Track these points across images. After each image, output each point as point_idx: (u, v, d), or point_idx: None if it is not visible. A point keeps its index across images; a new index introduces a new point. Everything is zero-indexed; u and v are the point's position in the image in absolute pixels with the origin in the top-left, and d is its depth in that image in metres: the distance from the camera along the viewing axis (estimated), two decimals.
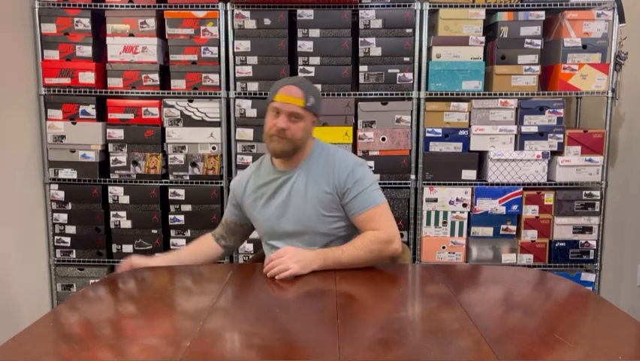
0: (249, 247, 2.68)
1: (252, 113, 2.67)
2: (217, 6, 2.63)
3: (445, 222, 2.71)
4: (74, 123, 2.71)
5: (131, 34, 2.67)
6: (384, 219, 1.69)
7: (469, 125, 2.67)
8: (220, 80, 2.68)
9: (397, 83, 2.65)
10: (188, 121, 2.70)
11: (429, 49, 2.66)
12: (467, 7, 2.60)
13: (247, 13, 2.61)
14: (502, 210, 2.67)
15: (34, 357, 1.07)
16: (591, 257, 2.71)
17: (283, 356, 1.09)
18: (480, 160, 2.70)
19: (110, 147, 2.73)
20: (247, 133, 2.68)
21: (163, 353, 1.09)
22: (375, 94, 2.65)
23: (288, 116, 1.65)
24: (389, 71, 2.64)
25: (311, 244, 1.71)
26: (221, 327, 1.24)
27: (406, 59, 2.64)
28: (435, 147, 2.67)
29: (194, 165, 2.73)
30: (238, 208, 1.86)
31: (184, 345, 1.11)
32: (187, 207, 2.74)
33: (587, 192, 2.67)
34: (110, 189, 2.73)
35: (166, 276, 1.63)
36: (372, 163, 2.64)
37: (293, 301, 1.41)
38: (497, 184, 2.67)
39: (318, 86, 2.64)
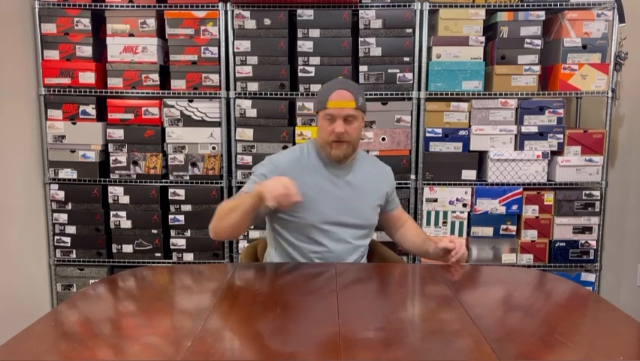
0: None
1: (252, 113, 2.67)
2: (217, 6, 2.63)
3: (445, 222, 2.71)
4: (74, 123, 2.71)
5: (131, 34, 2.67)
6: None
7: (469, 125, 2.67)
8: (220, 80, 2.68)
9: (397, 83, 2.65)
10: (188, 121, 2.70)
11: (429, 49, 2.66)
12: (467, 7, 2.60)
13: (247, 13, 2.61)
14: (502, 210, 2.67)
15: (35, 356, 1.07)
16: (591, 257, 2.71)
17: (283, 355, 1.09)
18: (480, 160, 2.71)
19: (110, 147, 2.73)
20: (247, 133, 2.68)
21: (164, 352, 1.09)
22: (375, 94, 2.65)
23: (343, 119, 1.71)
24: (389, 71, 2.64)
25: (363, 236, 1.84)
26: (222, 327, 1.24)
27: (406, 59, 2.64)
28: (435, 147, 2.67)
29: (194, 165, 2.73)
30: None
31: (185, 345, 1.11)
32: (187, 207, 2.74)
33: (587, 192, 2.67)
34: (110, 189, 2.73)
35: (166, 275, 1.63)
36: None
37: (293, 301, 1.40)
38: (497, 184, 2.67)
39: (319, 87, 2.64)
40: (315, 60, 2.64)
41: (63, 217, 2.76)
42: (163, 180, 2.75)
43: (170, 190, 2.73)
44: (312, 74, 2.64)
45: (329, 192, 1.78)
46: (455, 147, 2.67)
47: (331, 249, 1.78)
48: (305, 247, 1.78)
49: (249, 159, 2.69)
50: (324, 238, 1.77)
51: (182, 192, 2.73)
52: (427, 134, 2.66)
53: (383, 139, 2.66)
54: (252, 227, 2.72)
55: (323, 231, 1.77)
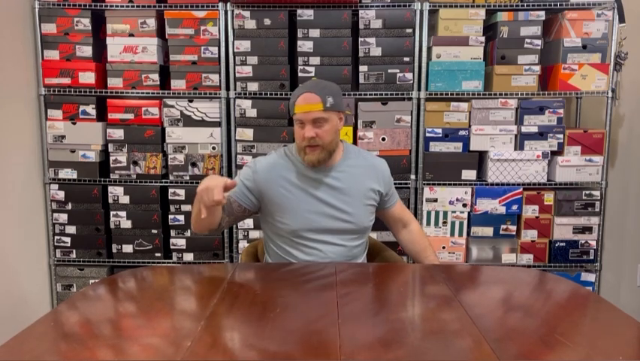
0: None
1: (252, 113, 2.67)
2: (217, 6, 2.63)
3: (445, 222, 2.71)
4: (74, 123, 2.71)
5: (131, 34, 2.67)
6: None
7: (469, 125, 2.67)
8: (220, 80, 2.68)
9: (397, 83, 2.65)
10: (188, 121, 2.70)
11: (429, 49, 2.66)
12: (467, 7, 2.61)
13: (247, 13, 2.61)
14: (502, 210, 2.67)
15: (35, 356, 1.07)
16: (591, 257, 2.71)
17: (283, 355, 1.09)
18: (480, 160, 2.71)
19: (110, 147, 2.73)
20: (247, 133, 2.68)
21: (163, 352, 1.09)
22: (375, 94, 2.65)
23: (312, 124, 1.67)
24: (389, 71, 2.64)
25: (354, 238, 1.79)
26: (222, 327, 1.24)
27: (406, 59, 2.64)
28: (435, 147, 2.67)
29: (194, 165, 2.73)
30: (252, 193, 1.75)
31: (184, 345, 1.11)
32: (187, 207, 2.74)
33: (587, 192, 2.67)
34: (110, 189, 2.73)
35: (166, 276, 1.63)
36: None
37: (293, 301, 1.40)
38: (497, 184, 2.67)
39: None
40: (315, 60, 2.64)
41: (63, 217, 2.76)
42: (163, 180, 2.75)
43: (170, 190, 2.73)
44: (312, 74, 2.63)
45: (312, 196, 1.75)
46: (455, 147, 2.67)
47: (321, 254, 1.76)
48: (295, 253, 1.77)
49: (248, 158, 2.69)
50: (312, 243, 1.76)
51: (182, 192, 2.73)
52: (427, 135, 2.66)
53: (383, 139, 2.66)
54: (252, 227, 2.72)
55: (309, 237, 1.75)
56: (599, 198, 2.67)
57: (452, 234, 2.72)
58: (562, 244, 2.70)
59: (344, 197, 1.77)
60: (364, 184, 1.80)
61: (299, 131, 1.71)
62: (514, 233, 2.71)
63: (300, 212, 1.73)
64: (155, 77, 2.68)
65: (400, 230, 1.96)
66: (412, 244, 1.94)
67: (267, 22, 2.62)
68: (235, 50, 2.65)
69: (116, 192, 2.73)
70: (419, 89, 2.66)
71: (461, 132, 2.66)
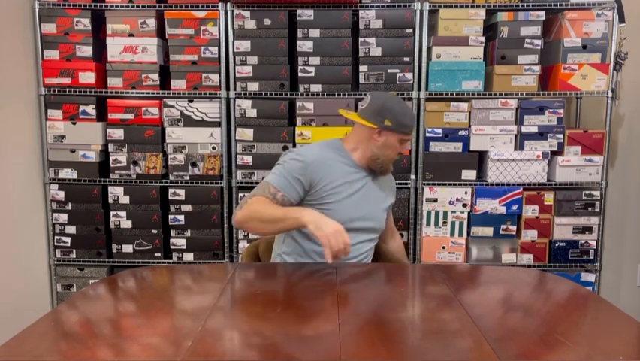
0: None
1: (252, 113, 2.67)
2: (217, 6, 2.63)
3: (445, 223, 2.71)
4: (74, 123, 2.71)
5: (131, 34, 2.67)
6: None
7: (469, 125, 2.67)
8: (220, 80, 2.68)
9: (397, 83, 2.65)
10: (188, 121, 2.70)
11: (429, 49, 2.66)
12: (467, 7, 2.60)
13: (247, 13, 2.61)
14: (502, 210, 2.67)
15: (35, 356, 1.07)
16: (591, 257, 2.71)
17: (284, 355, 1.09)
18: (480, 160, 2.71)
19: (110, 147, 2.73)
20: (247, 133, 2.68)
21: (164, 352, 1.09)
22: None
23: None
24: (389, 71, 2.64)
25: (372, 239, 1.88)
26: (223, 327, 1.24)
27: (406, 59, 2.64)
28: (435, 147, 2.67)
29: (194, 165, 2.73)
30: (302, 186, 1.73)
31: (185, 345, 1.11)
32: (187, 207, 2.74)
33: (587, 192, 2.67)
34: (110, 189, 2.73)
35: (166, 275, 1.63)
36: None
37: (294, 301, 1.40)
38: (497, 184, 2.67)
39: (319, 87, 2.65)
40: (315, 60, 2.64)
41: (63, 217, 2.76)
42: (163, 180, 2.75)
43: (170, 190, 2.73)
44: (312, 74, 2.64)
45: (356, 194, 1.81)
46: (455, 147, 2.67)
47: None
48: (318, 247, 1.74)
49: (249, 159, 2.69)
50: None
51: (182, 192, 2.73)
52: (427, 134, 2.66)
53: None
54: None
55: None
56: (599, 198, 2.67)
57: (452, 234, 2.72)
58: (562, 244, 2.70)
59: (376, 200, 1.88)
60: (387, 191, 1.94)
61: (397, 146, 1.82)
62: (514, 233, 2.71)
63: (343, 207, 1.77)
64: (155, 77, 2.68)
65: (388, 239, 2.06)
66: (395, 254, 2.03)
67: (267, 22, 2.62)
68: (235, 50, 2.65)
69: (116, 192, 2.73)
70: (419, 89, 2.66)
71: (461, 132, 2.66)
